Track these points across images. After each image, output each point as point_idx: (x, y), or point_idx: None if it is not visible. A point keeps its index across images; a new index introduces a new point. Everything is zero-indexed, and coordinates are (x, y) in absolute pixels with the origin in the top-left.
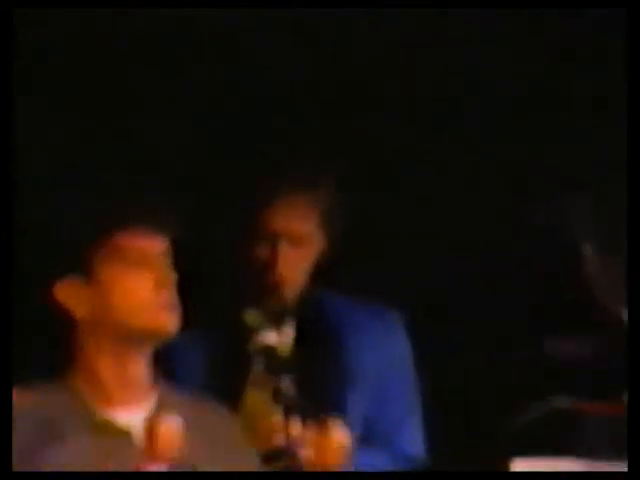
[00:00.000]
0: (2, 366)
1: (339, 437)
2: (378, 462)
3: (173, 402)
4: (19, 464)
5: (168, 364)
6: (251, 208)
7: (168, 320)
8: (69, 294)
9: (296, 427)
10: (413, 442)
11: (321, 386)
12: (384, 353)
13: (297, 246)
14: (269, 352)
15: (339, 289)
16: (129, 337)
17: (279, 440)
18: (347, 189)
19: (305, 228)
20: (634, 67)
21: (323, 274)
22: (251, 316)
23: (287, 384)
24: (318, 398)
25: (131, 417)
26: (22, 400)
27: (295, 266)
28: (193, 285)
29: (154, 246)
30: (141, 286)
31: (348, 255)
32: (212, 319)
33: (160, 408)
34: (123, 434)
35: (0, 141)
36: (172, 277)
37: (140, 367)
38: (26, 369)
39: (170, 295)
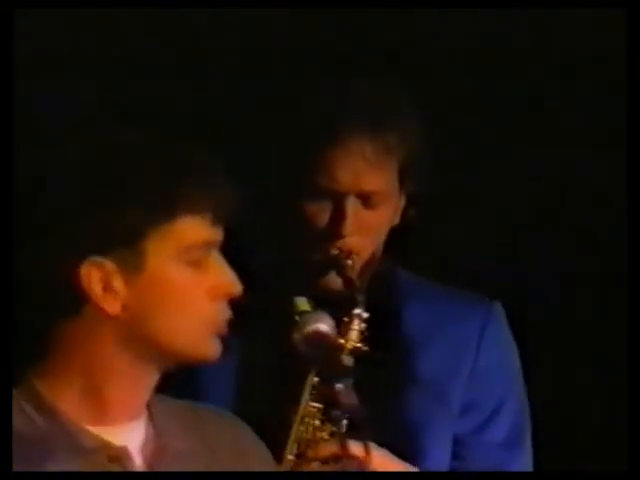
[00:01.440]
0: (2, 366)
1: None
2: None
3: (169, 411)
4: None
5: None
6: (306, 156)
7: (215, 344)
8: (104, 280)
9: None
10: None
11: (395, 401)
12: (485, 357)
13: (368, 206)
14: (322, 342)
15: (421, 269)
16: (161, 357)
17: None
18: (433, 134)
19: (379, 184)
20: (634, 67)
21: (401, 248)
22: (303, 304)
23: (346, 391)
24: (390, 418)
25: (129, 435)
26: None
27: (366, 233)
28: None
29: (215, 240)
30: (195, 295)
31: (434, 223)
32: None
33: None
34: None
35: (0, 142)
36: (234, 284)
37: (151, 387)
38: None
39: (226, 311)
